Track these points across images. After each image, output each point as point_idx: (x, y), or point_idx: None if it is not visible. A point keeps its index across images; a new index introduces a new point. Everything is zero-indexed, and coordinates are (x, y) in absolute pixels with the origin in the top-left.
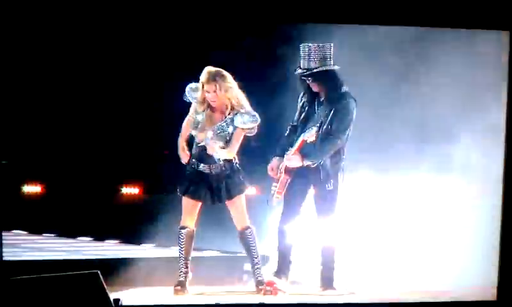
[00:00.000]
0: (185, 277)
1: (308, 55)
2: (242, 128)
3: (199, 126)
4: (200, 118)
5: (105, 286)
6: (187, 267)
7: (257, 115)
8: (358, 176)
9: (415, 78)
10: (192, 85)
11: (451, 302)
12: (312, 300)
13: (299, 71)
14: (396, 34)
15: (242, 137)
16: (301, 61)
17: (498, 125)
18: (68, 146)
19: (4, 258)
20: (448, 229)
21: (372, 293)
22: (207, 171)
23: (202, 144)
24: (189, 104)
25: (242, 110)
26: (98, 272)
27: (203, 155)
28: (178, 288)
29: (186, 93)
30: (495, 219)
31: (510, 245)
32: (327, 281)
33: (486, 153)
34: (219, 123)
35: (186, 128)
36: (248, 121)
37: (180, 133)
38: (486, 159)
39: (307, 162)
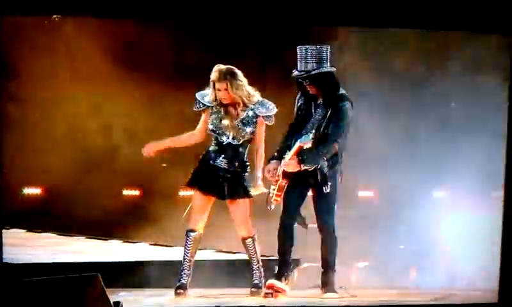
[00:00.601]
0: (187, 279)
1: (305, 57)
2: (263, 116)
3: (220, 124)
4: (218, 116)
5: (105, 289)
6: (190, 270)
7: (273, 104)
8: (358, 177)
9: (418, 81)
10: (202, 92)
11: (452, 304)
12: (313, 304)
13: (296, 73)
14: (398, 36)
15: (263, 127)
16: (298, 63)
17: (501, 128)
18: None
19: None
20: (450, 231)
21: (373, 296)
22: (224, 165)
23: (229, 141)
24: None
25: (258, 102)
26: (99, 274)
27: (226, 151)
28: (180, 291)
29: (199, 99)
30: (497, 221)
31: (511, 247)
32: (328, 284)
33: (488, 155)
34: (237, 121)
35: (184, 140)
36: (268, 109)
37: (171, 137)
38: (489, 161)
39: (304, 167)
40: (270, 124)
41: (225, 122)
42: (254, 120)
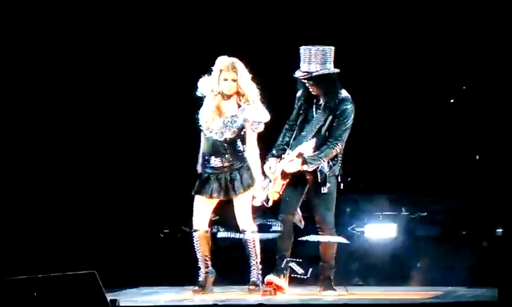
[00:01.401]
0: (205, 278)
1: (309, 58)
2: (251, 121)
3: (208, 116)
4: (209, 108)
5: (102, 287)
6: (207, 266)
7: (267, 112)
8: (357, 176)
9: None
10: (205, 78)
11: (452, 302)
12: (311, 301)
13: (299, 73)
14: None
15: (254, 132)
16: (301, 64)
17: (502, 125)
18: None
19: None
20: (449, 229)
21: (372, 294)
22: (219, 164)
23: (210, 135)
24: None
25: (252, 104)
26: (96, 272)
27: (214, 149)
28: (195, 288)
29: (199, 87)
30: (496, 219)
31: (511, 246)
32: (326, 282)
33: (488, 152)
34: (231, 116)
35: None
36: (257, 115)
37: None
38: (489, 158)
39: (307, 168)
40: (256, 131)
41: (208, 115)
42: (241, 122)
